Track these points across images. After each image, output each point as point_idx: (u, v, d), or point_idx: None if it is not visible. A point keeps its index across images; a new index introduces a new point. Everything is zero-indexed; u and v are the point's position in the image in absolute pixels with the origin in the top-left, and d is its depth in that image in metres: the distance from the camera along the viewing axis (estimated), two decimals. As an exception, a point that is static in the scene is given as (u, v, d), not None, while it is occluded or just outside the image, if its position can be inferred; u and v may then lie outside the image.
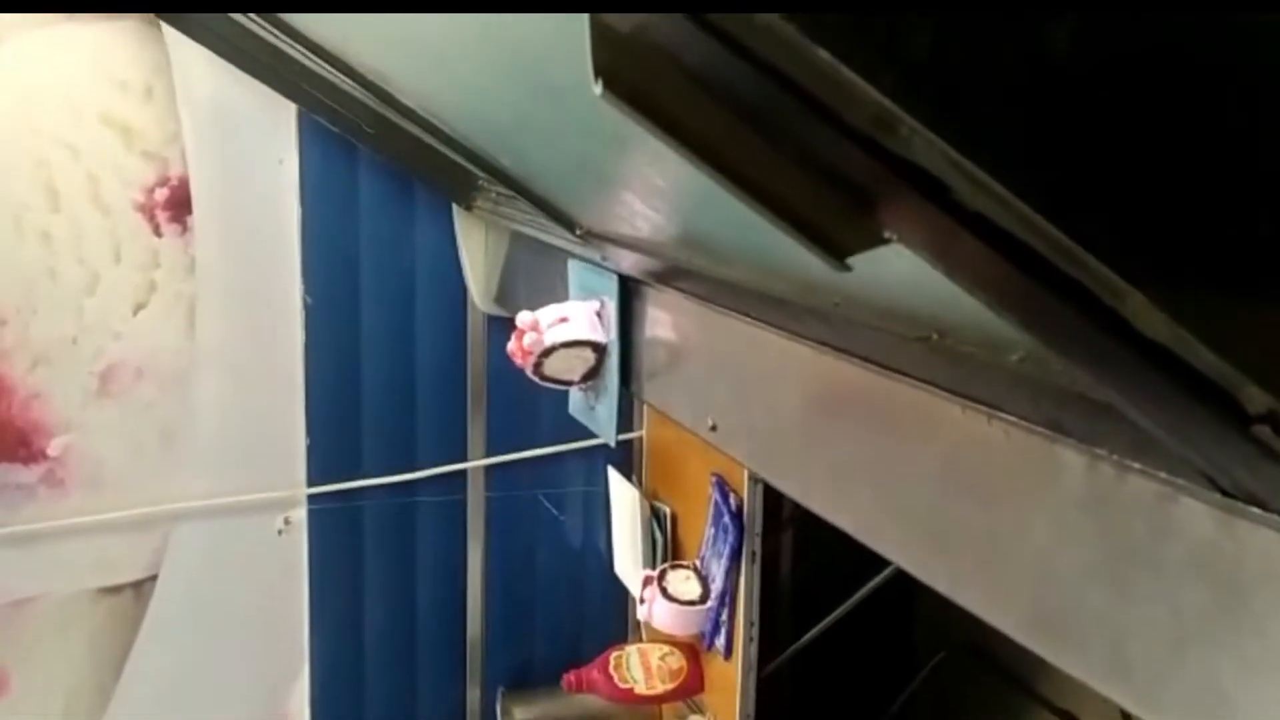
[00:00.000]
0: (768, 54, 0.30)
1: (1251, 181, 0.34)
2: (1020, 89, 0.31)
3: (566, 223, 1.22)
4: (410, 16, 0.79)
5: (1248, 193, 0.34)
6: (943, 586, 0.68)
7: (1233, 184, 0.34)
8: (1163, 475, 0.50)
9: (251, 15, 1.32)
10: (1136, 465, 0.51)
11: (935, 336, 0.62)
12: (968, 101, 0.31)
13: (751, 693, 1.68)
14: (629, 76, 0.35)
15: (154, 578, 1.87)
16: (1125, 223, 0.33)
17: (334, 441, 1.93)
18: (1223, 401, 0.35)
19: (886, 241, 0.38)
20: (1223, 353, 0.34)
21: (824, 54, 0.29)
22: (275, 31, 1.34)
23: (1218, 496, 0.47)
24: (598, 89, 0.35)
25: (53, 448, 1.77)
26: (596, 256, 1.27)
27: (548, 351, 1.31)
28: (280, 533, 1.91)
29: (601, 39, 0.35)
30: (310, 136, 1.81)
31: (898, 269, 0.52)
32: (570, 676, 1.91)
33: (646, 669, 1.86)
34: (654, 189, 0.81)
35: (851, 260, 0.42)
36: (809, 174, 0.36)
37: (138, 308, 1.78)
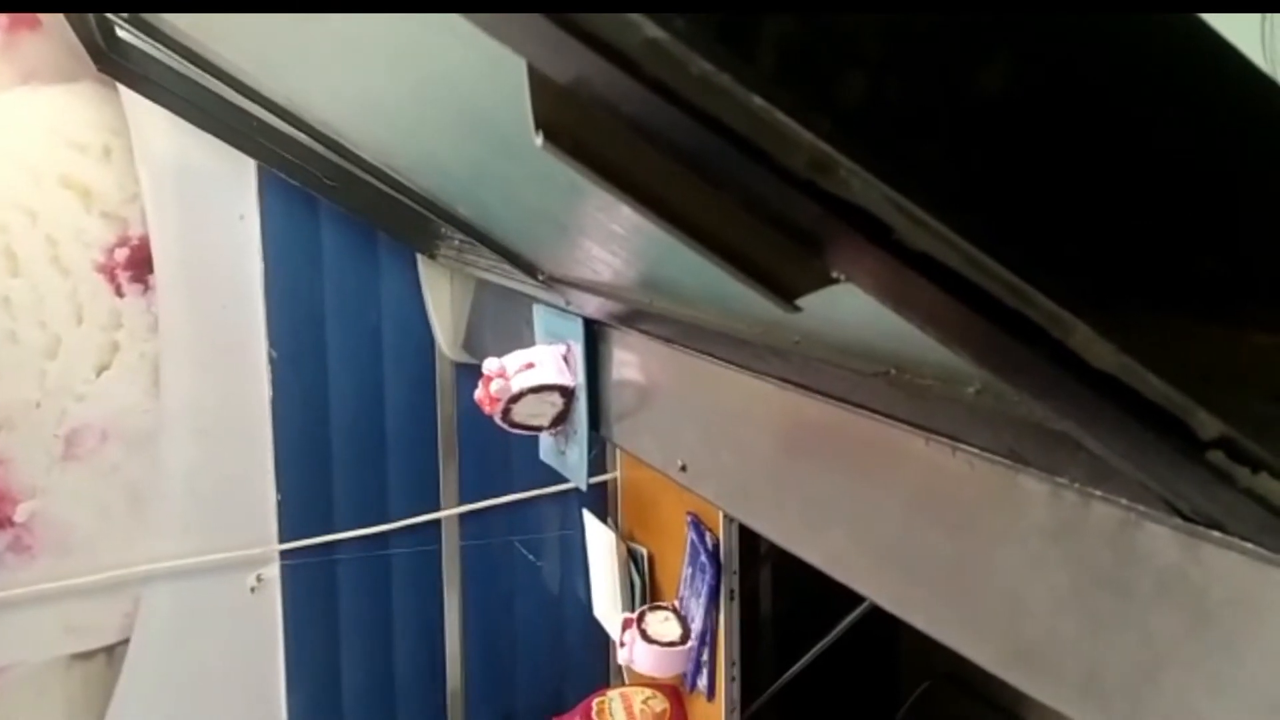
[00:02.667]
0: (703, 102, 0.30)
1: (1193, 210, 0.34)
2: (957, 127, 0.31)
3: (528, 269, 1.22)
4: (358, 73, 0.79)
5: (1190, 221, 0.34)
6: (916, 620, 0.68)
7: (1174, 213, 0.34)
8: (1124, 502, 0.50)
9: (205, 72, 1.32)
10: (1098, 493, 0.52)
11: (893, 371, 0.62)
12: (905, 141, 0.31)
13: (736, 733, 1.67)
14: (569, 128, 0.35)
15: (126, 641, 1.84)
16: (1068, 255, 0.33)
17: (305, 496, 1.91)
18: (1176, 428, 0.36)
19: (835, 281, 0.38)
20: (1173, 380, 0.34)
21: (758, 100, 0.29)
22: (229, 88, 1.34)
23: (1179, 521, 0.47)
24: (539, 141, 0.35)
25: (19, 514, 1.74)
26: (560, 301, 1.27)
27: (515, 398, 1.31)
28: (253, 591, 1.89)
29: (541, 92, 0.35)
30: (271, 191, 1.80)
31: (852, 306, 0.52)
32: (553, 725, 1.89)
33: (630, 714, 1.84)
34: (611, 234, 0.81)
35: (805, 299, 0.42)
36: (754, 218, 0.36)
37: (101, 369, 1.76)
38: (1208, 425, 0.35)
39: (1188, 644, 0.48)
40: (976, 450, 0.60)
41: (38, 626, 1.79)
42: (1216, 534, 0.45)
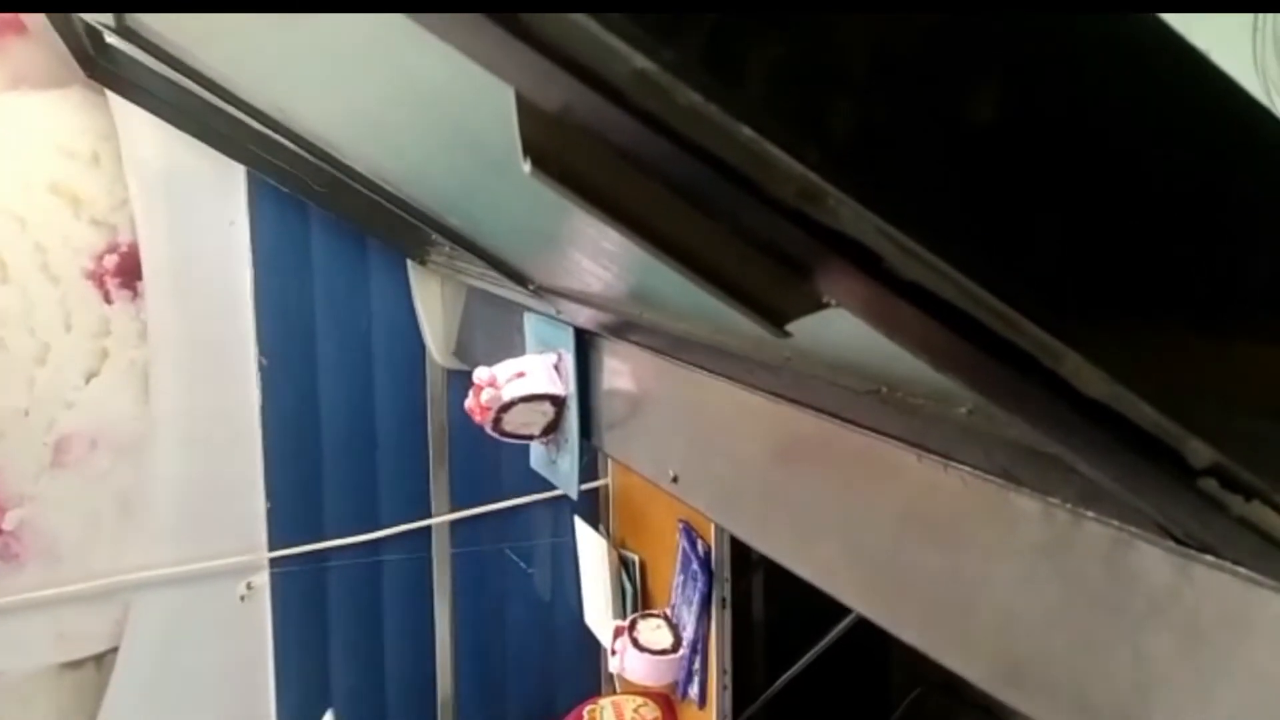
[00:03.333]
0: (691, 132, 0.29)
1: (1184, 240, 0.34)
2: (946, 157, 0.31)
3: (519, 278, 1.22)
4: (347, 87, 0.79)
5: (1181, 251, 0.34)
6: (907, 635, 0.68)
7: (1165, 243, 0.34)
8: (1116, 524, 0.50)
9: (193, 82, 1.31)
10: (1090, 514, 0.51)
11: (884, 390, 0.62)
12: (894, 171, 0.31)
13: (728, 741, 1.67)
14: (558, 154, 0.35)
15: (116, 650, 1.83)
16: (1058, 283, 0.33)
17: (295, 503, 1.90)
18: (1168, 456, 0.35)
19: (825, 306, 0.38)
20: (1165, 408, 0.34)
21: (747, 131, 0.29)
22: (218, 98, 1.33)
23: (1172, 544, 0.47)
24: (527, 168, 0.35)
25: (7, 521, 1.73)
26: (552, 310, 1.27)
27: (506, 407, 1.31)
28: (243, 599, 1.88)
29: (529, 119, 0.34)
30: (261, 197, 1.80)
31: (843, 326, 0.52)
32: (544, 733, 1.89)
33: (621, 721, 1.84)
34: (601, 250, 0.81)
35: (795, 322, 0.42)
36: (744, 244, 0.36)
37: (90, 376, 1.76)
38: (1200, 453, 0.35)
39: (1179, 664, 0.48)
40: (969, 468, 0.60)
41: (26, 634, 1.78)
42: (1209, 558, 0.45)
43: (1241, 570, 0.43)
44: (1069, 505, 0.53)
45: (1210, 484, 0.36)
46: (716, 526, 1.64)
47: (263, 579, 1.89)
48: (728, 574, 1.65)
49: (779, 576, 1.89)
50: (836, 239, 0.32)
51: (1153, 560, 0.49)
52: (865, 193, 0.30)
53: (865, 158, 0.30)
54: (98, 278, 1.74)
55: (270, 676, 1.92)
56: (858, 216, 0.30)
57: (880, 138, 0.30)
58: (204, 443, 1.83)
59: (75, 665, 1.84)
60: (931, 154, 0.31)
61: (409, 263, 1.92)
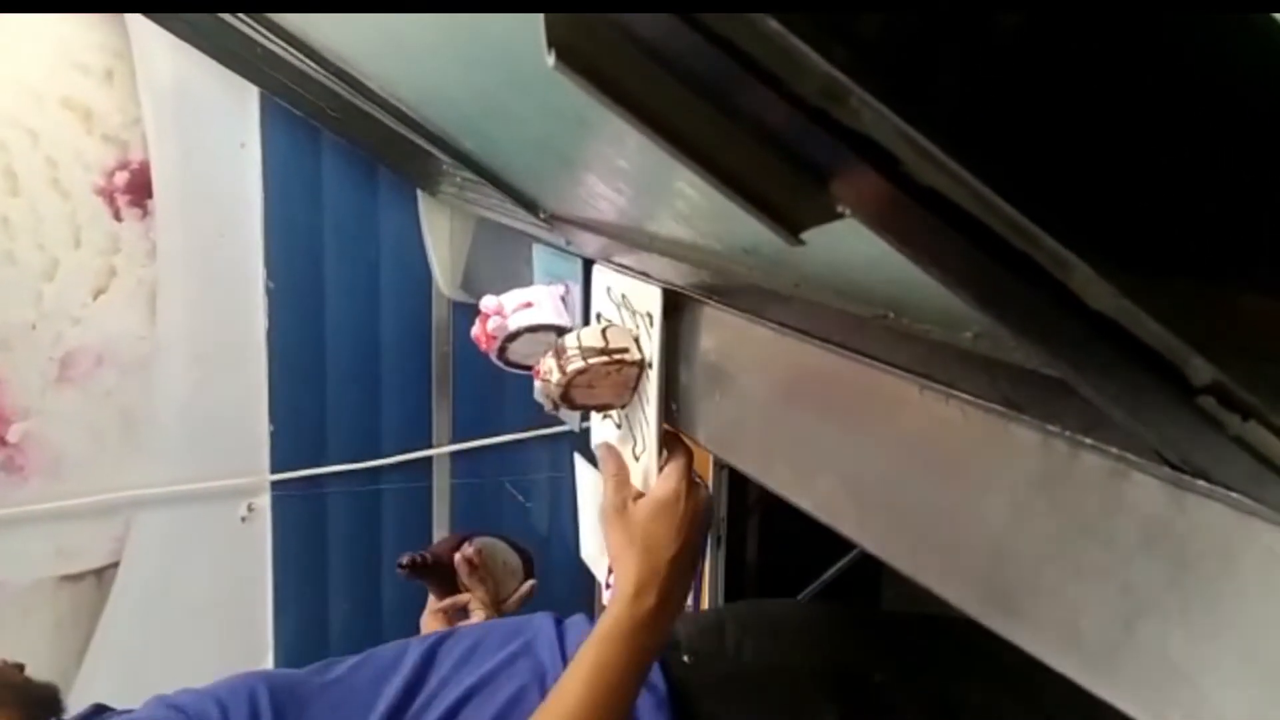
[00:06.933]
0: (719, 24, 0.30)
1: (1196, 156, 0.34)
2: (971, 63, 0.31)
3: (531, 207, 1.22)
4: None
5: (1192, 167, 0.34)
6: (902, 565, 0.69)
7: (1177, 159, 0.34)
8: (1114, 451, 0.51)
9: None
10: (1088, 441, 0.52)
11: (891, 315, 0.62)
12: (919, 75, 0.31)
13: (716, 677, 1.68)
14: (583, 48, 0.35)
15: (116, 565, 1.86)
16: (1073, 196, 0.33)
17: (298, 428, 1.92)
18: (1169, 373, 0.36)
19: (840, 216, 0.38)
20: (1168, 325, 0.35)
21: (774, 24, 0.29)
22: (238, 15, 1.33)
23: (1167, 471, 0.48)
24: (551, 61, 0.35)
25: (12, 434, 1.75)
26: (561, 241, 1.27)
27: (512, 336, 1.31)
28: (244, 520, 1.91)
29: (554, 11, 0.35)
30: (273, 120, 1.79)
31: (854, 247, 0.52)
32: (535, 662, 1.90)
33: (612, 654, 1.86)
34: (615, 170, 0.81)
35: (809, 239, 0.42)
36: (764, 148, 0.36)
37: (98, 293, 1.76)
38: (1201, 371, 0.35)
39: (1167, 594, 0.49)
40: (970, 398, 0.61)
41: (27, 547, 1.80)
42: (1202, 483, 0.46)
43: (1233, 496, 0.44)
44: (1068, 433, 0.53)
45: (1209, 402, 0.36)
46: (714, 467, 1.65)
47: (264, 501, 1.91)
48: (724, 513, 1.67)
49: (775, 519, 1.91)
50: (856, 141, 0.32)
51: (1147, 489, 0.49)
52: (888, 94, 0.31)
53: (890, 59, 0.30)
54: (108, 194, 1.74)
55: (269, 597, 1.95)
56: (879, 118, 0.31)
57: (906, 40, 0.30)
58: (209, 364, 1.84)
59: (75, 579, 1.86)
60: (956, 59, 0.31)
61: (419, 194, 1.92)
